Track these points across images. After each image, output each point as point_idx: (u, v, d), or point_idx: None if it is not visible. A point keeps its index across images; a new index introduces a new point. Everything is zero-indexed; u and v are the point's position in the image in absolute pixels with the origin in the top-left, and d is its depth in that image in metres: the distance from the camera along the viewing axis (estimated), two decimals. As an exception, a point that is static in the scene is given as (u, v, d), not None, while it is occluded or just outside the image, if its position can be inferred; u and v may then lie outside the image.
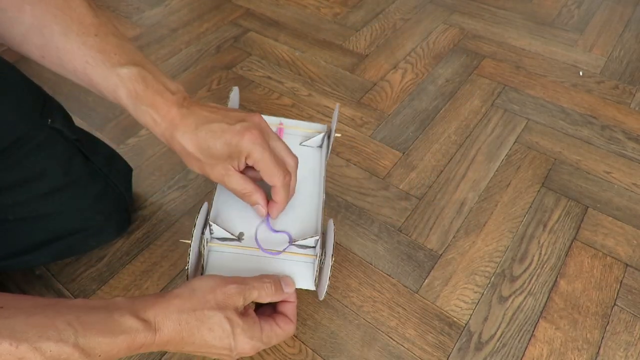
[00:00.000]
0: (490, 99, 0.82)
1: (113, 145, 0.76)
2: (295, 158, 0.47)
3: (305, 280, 0.46)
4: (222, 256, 0.47)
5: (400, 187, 0.69)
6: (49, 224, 0.52)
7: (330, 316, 0.55)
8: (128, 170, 0.63)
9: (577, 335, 0.54)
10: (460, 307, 0.56)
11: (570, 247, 0.61)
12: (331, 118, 0.79)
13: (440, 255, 0.61)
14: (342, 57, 0.92)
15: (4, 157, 0.45)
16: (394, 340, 0.53)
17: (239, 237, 0.47)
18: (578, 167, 0.71)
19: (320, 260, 0.45)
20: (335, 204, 0.67)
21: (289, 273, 0.46)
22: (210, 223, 0.46)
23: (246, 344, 0.39)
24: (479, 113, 0.79)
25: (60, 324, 0.30)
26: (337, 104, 0.57)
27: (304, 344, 0.53)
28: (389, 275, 0.59)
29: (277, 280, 0.44)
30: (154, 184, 0.70)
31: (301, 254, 0.47)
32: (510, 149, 0.73)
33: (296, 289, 0.46)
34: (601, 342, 0.53)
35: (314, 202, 0.52)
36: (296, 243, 0.47)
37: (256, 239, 0.48)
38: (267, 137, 0.44)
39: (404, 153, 0.73)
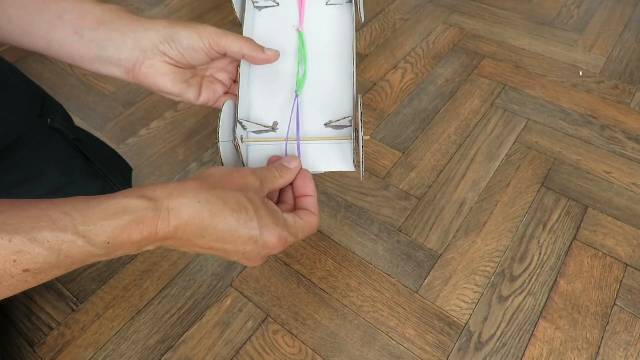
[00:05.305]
0: (490, 99, 0.82)
1: (113, 145, 0.76)
2: None
3: (344, 162, 0.44)
4: (261, 150, 0.46)
5: (400, 187, 0.69)
6: None
7: (330, 316, 0.55)
8: (128, 170, 0.63)
9: (577, 335, 0.54)
10: (460, 307, 0.56)
11: (570, 247, 0.61)
12: None
13: (440, 255, 0.61)
14: (342, 57, 0.92)
15: (3, 157, 0.45)
16: (394, 340, 0.53)
17: (274, 127, 0.45)
18: (578, 167, 0.71)
19: (355, 138, 0.41)
20: (335, 204, 0.67)
21: (327, 157, 0.44)
22: (240, 120, 0.43)
23: (273, 230, 0.34)
24: (479, 113, 0.79)
25: (55, 213, 0.27)
26: None
27: (304, 344, 0.53)
28: (389, 275, 0.59)
29: (279, 163, 0.41)
30: (154, 184, 0.70)
31: (338, 137, 0.45)
32: (510, 149, 0.73)
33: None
34: (601, 342, 0.53)
35: (345, 75, 0.46)
36: (331, 125, 0.44)
37: (289, 127, 0.45)
38: None
39: (404, 153, 0.73)
